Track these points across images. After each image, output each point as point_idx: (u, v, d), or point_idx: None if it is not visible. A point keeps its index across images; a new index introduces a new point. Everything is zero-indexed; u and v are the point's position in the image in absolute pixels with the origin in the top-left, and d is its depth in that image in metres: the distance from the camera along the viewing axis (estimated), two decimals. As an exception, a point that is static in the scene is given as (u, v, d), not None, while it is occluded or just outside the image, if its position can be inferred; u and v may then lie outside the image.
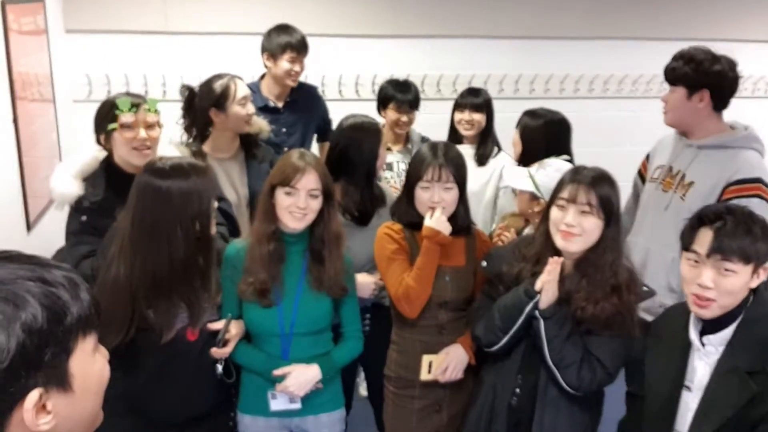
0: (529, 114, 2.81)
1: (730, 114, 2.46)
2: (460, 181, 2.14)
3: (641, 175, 2.69)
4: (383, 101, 3.23)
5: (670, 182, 2.45)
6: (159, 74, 3.84)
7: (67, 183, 2.21)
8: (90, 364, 0.87)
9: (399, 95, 3.18)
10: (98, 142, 2.30)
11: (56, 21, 3.51)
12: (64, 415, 0.82)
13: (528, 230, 2.41)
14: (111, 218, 2.12)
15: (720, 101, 2.36)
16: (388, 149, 3.16)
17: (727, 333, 1.67)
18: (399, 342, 2.24)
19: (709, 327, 1.69)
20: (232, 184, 2.69)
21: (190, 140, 2.72)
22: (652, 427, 1.80)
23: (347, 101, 4.02)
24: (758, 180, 2.24)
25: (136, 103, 2.24)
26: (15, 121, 2.64)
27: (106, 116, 2.24)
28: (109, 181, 2.24)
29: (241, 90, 2.67)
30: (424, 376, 2.16)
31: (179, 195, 1.84)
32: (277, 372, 1.99)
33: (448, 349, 2.17)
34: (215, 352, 1.95)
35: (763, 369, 1.60)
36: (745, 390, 1.60)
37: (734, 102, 2.41)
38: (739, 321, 1.67)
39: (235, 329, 2.00)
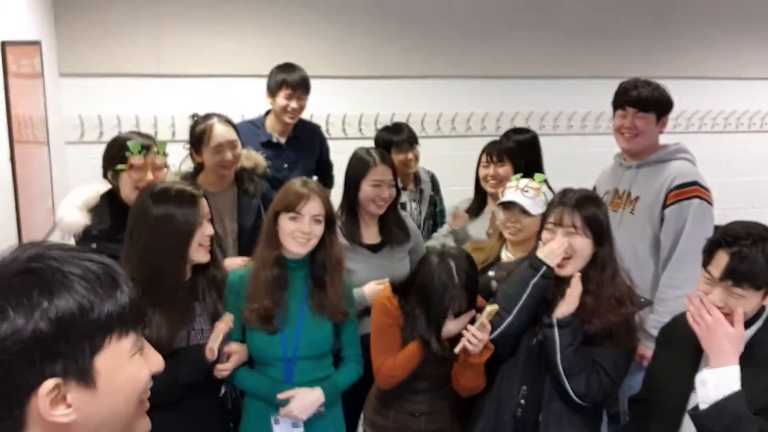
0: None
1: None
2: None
3: None
4: (385, 148, 3.13)
5: (618, 202, 2.66)
6: (150, 116, 3.90)
7: (74, 214, 2.27)
8: (122, 364, 0.84)
9: (395, 137, 3.26)
10: (105, 177, 2.39)
11: (51, 64, 3.58)
12: (86, 411, 0.81)
13: (505, 253, 2.40)
14: (119, 244, 2.16)
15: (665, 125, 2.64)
16: (404, 188, 3.26)
17: None
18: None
19: None
20: (220, 218, 2.67)
21: (189, 171, 2.76)
22: (659, 430, 1.82)
23: (351, 139, 4.07)
24: (695, 183, 2.46)
25: (146, 145, 2.30)
26: (12, 162, 2.68)
27: (116, 155, 2.30)
28: (112, 212, 2.30)
29: (218, 137, 2.60)
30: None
31: (158, 217, 1.90)
32: (281, 396, 2.01)
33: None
34: (219, 369, 1.96)
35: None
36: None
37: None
38: (751, 337, 1.68)
39: (237, 347, 2.02)
